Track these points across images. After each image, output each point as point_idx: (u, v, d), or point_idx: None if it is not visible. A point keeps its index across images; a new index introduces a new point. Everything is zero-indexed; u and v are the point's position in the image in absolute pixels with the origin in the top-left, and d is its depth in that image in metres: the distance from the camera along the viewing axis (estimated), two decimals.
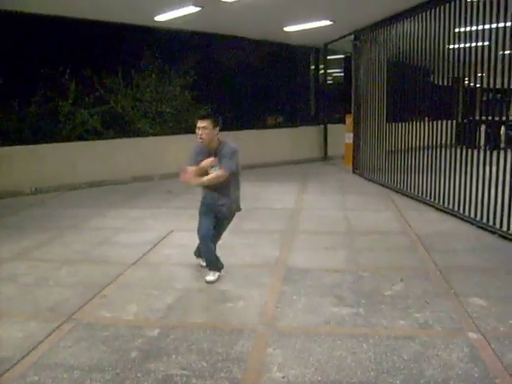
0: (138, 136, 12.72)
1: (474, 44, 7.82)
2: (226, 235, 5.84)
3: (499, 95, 7.98)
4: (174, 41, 14.04)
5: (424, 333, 4.26)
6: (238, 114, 15.66)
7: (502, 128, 12.37)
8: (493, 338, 4.13)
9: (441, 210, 8.62)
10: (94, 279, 5.59)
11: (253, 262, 6.11)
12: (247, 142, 14.15)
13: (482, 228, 7.50)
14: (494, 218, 7.30)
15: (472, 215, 7.84)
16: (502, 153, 7.71)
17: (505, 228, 7.08)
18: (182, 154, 12.78)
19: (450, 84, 9.30)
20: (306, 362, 3.78)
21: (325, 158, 15.83)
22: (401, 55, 10.64)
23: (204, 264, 5.65)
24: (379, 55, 11.68)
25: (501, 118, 7.92)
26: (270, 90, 17.13)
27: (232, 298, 5.02)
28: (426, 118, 10.15)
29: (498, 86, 7.60)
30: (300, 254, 6.44)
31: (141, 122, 12.99)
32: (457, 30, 8.36)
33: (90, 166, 11.59)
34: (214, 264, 5.52)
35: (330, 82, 17.16)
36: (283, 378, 3.58)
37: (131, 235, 7.40)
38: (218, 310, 4.76)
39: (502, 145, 11.68)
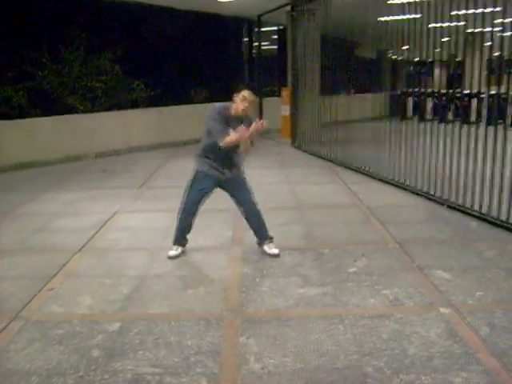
0: (68, 113, 12.03)
1: (405, 16, 7.83)
2: (172, 216, 5.52)
3: (420, 67, 8.16)
4: (102, 12, 13.35)
5: (397, 310, 4.14)
6: (170, 88, 15.13)
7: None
8: (465, 312, 4.06)
9: (386, 182, 8.59)
10: (38, 270, 5.15)
11: (207, 244, 5.82)
12: (180, 118, 13.77)
13: (429, 199, 7.51)
14: (442, 189, 7.32)
15: (419, 187, 7.85)
16: (429, 124, 7.71)
17: (453, 199, 7.11)
18: (116, 131, 12.41)
19: (377, 57, 9.50)
20: (283, 350, 3.57)
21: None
22: (336, 28, 10.49)
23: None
24: (315, 27, 11.50)
25: (426, 90, 8.04)
26: (203, 63, 16.67)
27: (192, 283, 4.74)
28: (352, 91, 10.25)
29: (425, 58, 7.76)
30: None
31: (70, 98, 12.28)
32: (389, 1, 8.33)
33: (17, 147, 10.82)
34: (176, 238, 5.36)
35: (264, 54, 16.82)
36: (262, 369, 3.35)
37: (71, 220, 6.93)
38: (180, 297, 4.46)
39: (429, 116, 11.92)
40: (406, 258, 5.27)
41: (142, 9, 14.21)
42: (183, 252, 5.42)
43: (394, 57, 9.20)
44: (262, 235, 5.42)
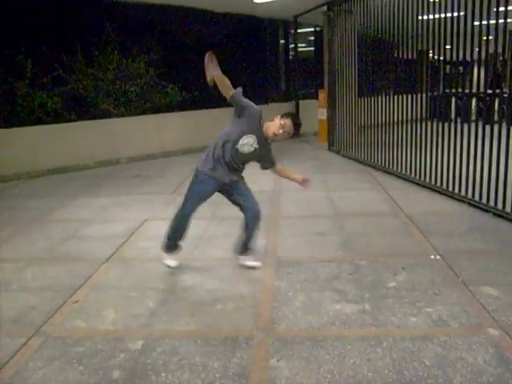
0: (102, 117, 11.96)
1: (448, 14, 7.47)
2: (203, 224, 5.27)
3: (462, 68, 7.84)
4: (137, 15, 13.23)
5: (441, 331, 3.81)
6: (204, 92, 14.95)
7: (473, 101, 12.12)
8: None
9: (428, 188, 8.20)
10: (64, 281, 4.98)
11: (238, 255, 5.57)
12: (216, 121, 13.54)
13: (473, 206, 7.11)
14: (488, 195, 6.92)
15: (462, 193, 7.45)
16: (473, 125, 7.29)
17: (500, 206, 6.71)
18: (150, 135, 12.29)
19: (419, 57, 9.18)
20: (316, 375, 3.29)
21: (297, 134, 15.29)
22: (375, 28, 10.14)
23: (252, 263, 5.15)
24: (353, 27, 11.17)
25: (471, 91, 7.68)
26: (238, 65, 16.45)
27: (221, 298, 4.48)
28: (391, 92, 9.95)
29: (468, 58, 7.43)
30: (289, 242, 5.93)
31: (104, 102, 12.21)
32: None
33: (52, 152, 10.83)
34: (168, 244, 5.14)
35: (300, 56, 16.53)
36: None
37: (101, 227, 6.77)
38: (207, 313, 4.21)
39: (473, 117, 11.40)
40: (449, 272, 4.92)
41: (178, 12, 14.06)
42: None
43: (435, 57, 8.87)
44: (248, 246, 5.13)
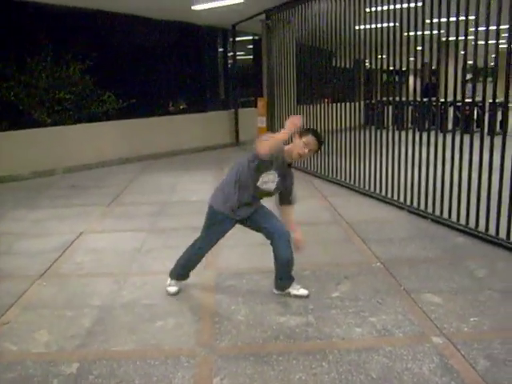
0: (36, 127, 11.52)
1: (383, 25, 7.62)
2: (142, 236, 5.07)
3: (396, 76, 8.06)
4: (72, 21, 12.84)
5: (385, 341, 3.78)
6: (142, 99, 14.70)
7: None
8: (459, 342, 3.72)
9: (367, 195, 8.28)
10: None
11: None
12: (155, 130, 13.38)
13: (412, 213, 7.21)
14: (426, 201, 7.02)
15: (401, 200, 7.54)
16: (409, 133, 7.44)
17: (437, 212, 6.81)
18: (87, 145, 11.94)
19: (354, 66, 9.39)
20: None
21: (237, 143, 15.25)
22: (311, 36, 10.21)
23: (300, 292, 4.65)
24: (291, 36, 11.21)
25: (407, 99, 7.91)
26: (177, 73, 16.26)
27: (160, 314, 4.32)
28: (326, 100, 10.09)
29: (399, 67, 7.74)
30: (229, 252, 5.80)
31: (37, 110, 11.78)
32: (368, 9, 8.07)
33: None
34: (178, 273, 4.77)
35: (239, 64, 16.51)
36: None
37: (34, 241, 6.46)
38: (147, 331, 4.03)
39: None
40: (392, 281, 4.92)
41: (114, 18, 13.77)
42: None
43: (369, 66, 9.02)
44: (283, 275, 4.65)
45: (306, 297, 4.58)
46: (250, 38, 17.46)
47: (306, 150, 4.18)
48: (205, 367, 3.50)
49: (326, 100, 10.25)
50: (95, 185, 10.20)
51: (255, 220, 4.48)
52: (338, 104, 9.44)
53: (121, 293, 4.77)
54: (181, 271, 4.74)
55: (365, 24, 8.15)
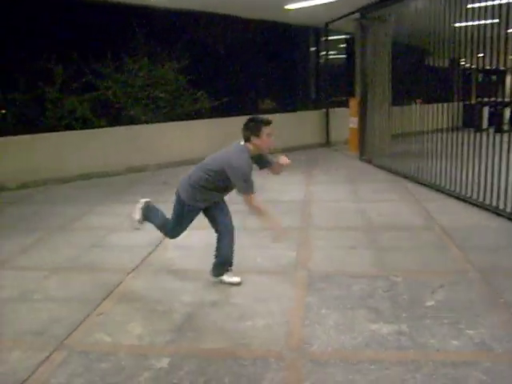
0: (131, 124, 11.90)
1: (482, 22, 7.23)
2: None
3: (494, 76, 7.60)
4: (167, 21, 13.17)
5: (484, 356, 3.57)
6: (234, 98, 14.86)
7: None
8: None
9: (464, 200, 7.90)
10: (88, 292, 4.85)
11: (267, 267, 5.38)
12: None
13: None
14: None
15: (501, 206, 7.15)
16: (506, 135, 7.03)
17: None
18: (179, 142, 12.19)
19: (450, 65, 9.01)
20: None
21: (327, 143, 15.09)
22: (408, 35, 9.91)
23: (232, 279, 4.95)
24: (386, 35, 10.94)
25: (504, 100, 7.43)
26: (268, 72, 16.32)
27: (250, 314, 4.29)
28: (419, 101, 9.76)
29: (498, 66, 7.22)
30: (320, 254, 5.72)
31: (133, 108, 12.15)
32: (469, 6, 7.69)
33: (80, 158, 10.78)
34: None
35: (331, 64, 16.31)
36: None
37: (126, 236, 6.62)
38: (236, 330, 4.03)
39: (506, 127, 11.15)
40: (490, 292, 4.66)
41: (208, 18, 14.03)
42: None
43: (467, 65, 8.63)
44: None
45: (238, 284, 4.88)
46: (343, 36, 17.22)
47: (272, 137, 4.55)
48: (294, 371, 3.44)
49: (419, 101, 9.95)
50: None
51: (212, 212, 4.85)
52: (434, 105, 9.11)
53: (210, 290, 4.80)
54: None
55: (465, 21, 7.79)
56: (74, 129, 11.23)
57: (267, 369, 3.45)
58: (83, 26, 12.05)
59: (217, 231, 4.90)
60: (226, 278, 4.93)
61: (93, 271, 5.43)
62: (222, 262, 4.90)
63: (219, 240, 4.87)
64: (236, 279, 4.92)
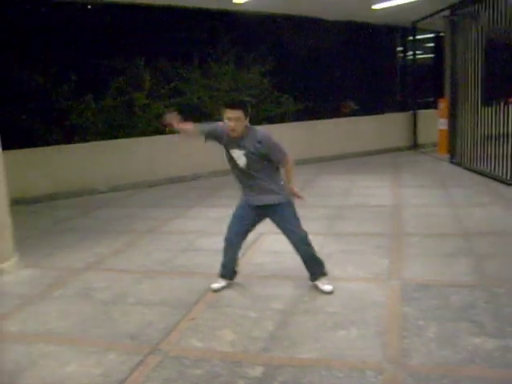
0: None
1: None
2: (320, 240, 5.01)
3: None
4: (251, 25, 13.23)
5: None
6: (319, 101, 14.74)
7: None
8: None
9: None
10: (180, 296, 4.87)
11: (359, 275, 5.21)
12: (330, 132, 13.32)
13: None
14: None
15: None
16: None
17: None
18: None
19: None
20: None
21: (414, 146, 14.65)
22: (503, 32, 9.44)
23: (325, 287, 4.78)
24: (479, 32, 10.47)
25: None
26: (354, 75, 16.07)
27: (343, 323, 4.16)
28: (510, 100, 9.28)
29: None
30: (414, 262, 5.49)
31: (219, 113, 12.22)
32: None
33: (169, 161, 11.02)
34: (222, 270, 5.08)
35: (418, 64, 15.88)
36: None
37: (215, 239, 6.59)
38: (330, 340, 3.90)
39: None
40: None
41: (291, 21, 13.98)
42: (228, 284, 5.01)
43: None
44: (313, 270, 4.84)
45: (331, 293, 4.69)
46: (431, 35, 16.72)
47: (231, 123, 4.30)
48: None
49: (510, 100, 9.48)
50: None
51: (277, 220, 4.72)
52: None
53: (303, 298, 4.69)
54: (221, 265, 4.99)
55: None
56: (162, 133, 11.45)
57: (364, 381, 3.31)
58: (170, 31, 12.28)
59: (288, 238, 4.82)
60: (320, 284, 4.80)
61: (184, 275, 5.47)
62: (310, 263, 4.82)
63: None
64: (328, 287, 4.77)
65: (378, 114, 15.37)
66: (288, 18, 13.64)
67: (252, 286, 5.08)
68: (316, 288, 4.81)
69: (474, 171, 10.63)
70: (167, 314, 4.48)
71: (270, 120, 12.95)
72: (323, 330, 4.06)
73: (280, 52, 13.90)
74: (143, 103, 11.40)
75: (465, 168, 11.15)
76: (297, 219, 4.72)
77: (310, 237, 4.85)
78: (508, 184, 9.14)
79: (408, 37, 15.35)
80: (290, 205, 4.69)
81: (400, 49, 16.79)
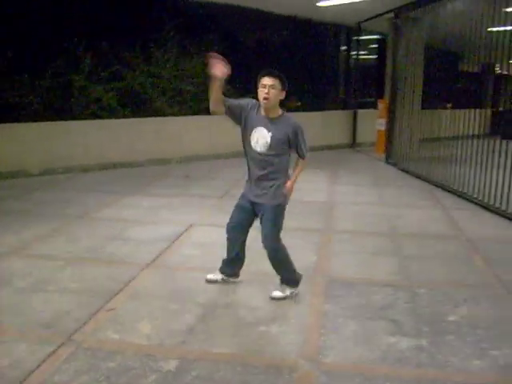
0: (156, 115, 11.81)
1: None
2: (251, 234, 4.95)
3: None
4: (197, 14, 13.06)
5: (508, 381, 3.38)
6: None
7: None
8: None
9: (492, 211, 7.65)
10: (102, 285, 4.75)
11: None
12: None
13: None
14: None
15: None
16: None
17: None
18: (202, 136, 12.07)
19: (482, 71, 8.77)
20: None
21: (353, 144, 14.86)
22: (441, 38, 9.67)
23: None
24: (420, 36, 10.68)
25: None
26: (297, 70, 16.10)
27: (265, 319, 4.15)
28: (449, 106, 9.54)
29: None
30: (342, 260, 5.55)
31: (159, 100, 12.04)
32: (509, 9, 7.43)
33: (104, 147, 10.76)
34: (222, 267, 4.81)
35: (361, 64, 16.10)
36: None
37: (146, 229, 6.55)
38: (249, 335, 3.88)
39: None
40: None
41: (239, 12, 13.85)
42: (223, 280, 4.80)
43: (500, 71, 8.37)
44: (279, 274, 4.60)
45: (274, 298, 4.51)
46: (375, 37, 16.96)
47: (265, 90, 4.02)
48: (306, 383, 3.29)
49: (449, 105, 9.73)
50: (208, 176, 10.30)
51: (260, 218, 4.44)
52: (465, 110, 8.84)
53: (225, 292, 4.66)
54: (222, 261, 4.77)
55: (501, 25, 7.53)
56: (100, 117, 11.17)
57: (279, 379, 3.30)
58: (113, 14, 11.97)
59: None
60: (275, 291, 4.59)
61: (109, 264, 5.33)
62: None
63: None
64: (276, 294, 4.53)
65: (320, 110, 15.47)
66: (237, 9, 13.51)
67: (176, 278, 5.01)
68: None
69: (409, 173, 10.85)
70: (87, 303, 4.36)
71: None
72: (243, 325, 4.04)
73: (225, 42, 13.75)
74: (81, 86, 11.07)
75: (400, 169, 11.37)
76: (276, 228, 4.45)
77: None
78: (440, 187, 9.37)
79: (353, 37, 15.53)
80: (278, 210, 4.43)
81: (344, 48, 16.95)
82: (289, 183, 4.33)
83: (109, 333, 3.88)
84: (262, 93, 4.05)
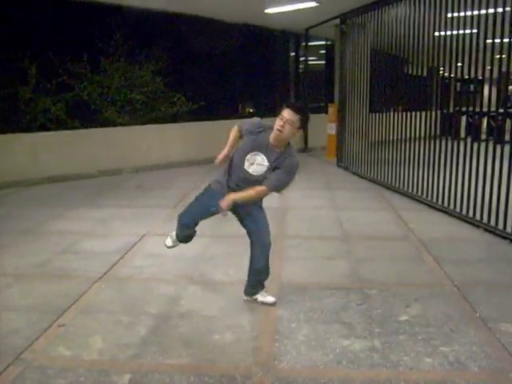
0: (106, 126, 11.67)
1: (462, 31, 7.21)
2: (203, 241, 4.93)
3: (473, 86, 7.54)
4: (145, 23, 12.99)
5: (459, 376, 3.45)
6: (212, 102, 14.70)
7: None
8: None
9: (441, 211, 7.83)
10: (52, 301, 4.64)
11: (239, 278, 5.16)
12: (222, 133, 13.28)
13: (490, 232, 6.74)
14: (505, 221, 6.56)
15: (477, 217, 7.08)
16: (484, 144, 6.99)
17: None
18: (154, 146, 11.98)
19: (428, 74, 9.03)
20: None
21: (305, 149, 14.99)
22: (386, 42, 9.86)
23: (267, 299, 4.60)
24: (365, 42, 10.88)
25: (481, 109, 7.45)
26: (247, 77, 16.21)
27: (218, 327, 4.13)
28: (398, 109, 9.76)
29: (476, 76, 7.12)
30: (294, 265, 5.59)
31: (109, 110, 11.92)
32: (449, 15, 7.62)
33: (53, 159, 10.53)
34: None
35: (310, 69, 16.27)
36: None
37: (96, 241, 6.44)
38: (203, 344, 3.86)
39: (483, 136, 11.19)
40: (466, 306, 4.55)
41: (188, 20, 13.82)
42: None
43: (445, 74, 8.58)
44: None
45: (273, 304, 4.52)
46: (323, 42, 17.19)
47: (282, 123, 3.86)
48: None
49: (399, 108, 9.92)
50: (161, 186, 10.21)
51: (247, 220, 4.52)
52: (412, 113, 9.05)
53: (179, 301, 4.62)
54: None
55: (445, 30, 7.74)
56: (48, 129, 10.96)
57: None
58: (59, 24, 11.80)
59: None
60: (260, 297, 4.60)
61: (59, 279, 5.22)
62: (256, 277, 4.59)
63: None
64: (271, 299, 4.58)
65: (271, 116, 15.55)
66: (185, 17, 13.47)
67: (128, 289, 4.94)
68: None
69: (360, 176, 11.02)
70: (36, 320, 4.25)
71: (163, 120, 12.77)
72: (197, 335, 4.01)
73: (175, 51, 13.74)
74: (28, 97, 10.86)
75: (351, 172, 11.53)
76: (267, 223, 4.61)
77: (195, 239, 4.79)
78: (390, 188, 9.54)
79: (301, 43, 15.70)
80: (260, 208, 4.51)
81: (294, 54, 17.12)
82: (231, 195, 4.11)
83: (60, 349, 3.79)
84: (278, 123, 3.90)
